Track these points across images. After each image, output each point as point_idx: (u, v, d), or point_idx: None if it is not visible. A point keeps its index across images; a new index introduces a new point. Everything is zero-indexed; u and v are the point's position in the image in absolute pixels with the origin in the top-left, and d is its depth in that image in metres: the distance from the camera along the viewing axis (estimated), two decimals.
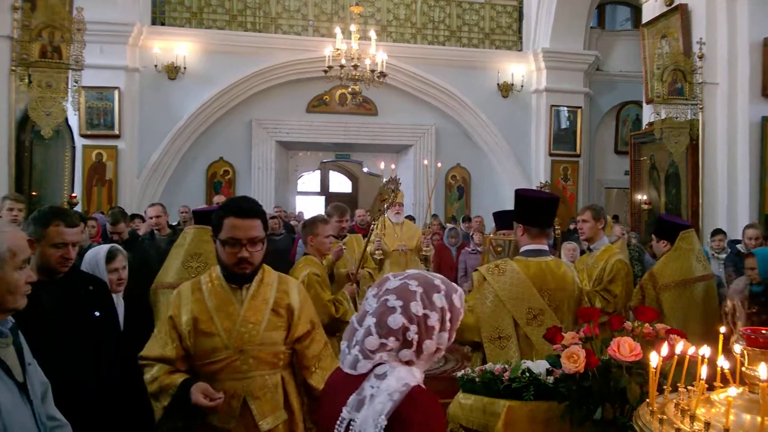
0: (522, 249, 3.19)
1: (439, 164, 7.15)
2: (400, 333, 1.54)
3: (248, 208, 2.45)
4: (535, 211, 3.17)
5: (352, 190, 18.40)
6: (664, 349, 1.83)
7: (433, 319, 1.57)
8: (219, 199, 7.83)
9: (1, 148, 6.05)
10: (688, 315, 4.41)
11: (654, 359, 1.75)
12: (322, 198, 17.70)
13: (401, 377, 1.53)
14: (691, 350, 1.97)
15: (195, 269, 3.70)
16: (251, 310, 2.46)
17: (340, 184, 18.49)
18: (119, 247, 3.53)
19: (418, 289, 1.60)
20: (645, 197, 8.77)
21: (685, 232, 4.50)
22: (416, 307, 1.56)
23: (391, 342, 1.54)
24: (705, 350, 1.90)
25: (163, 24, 10.82)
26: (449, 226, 9.64)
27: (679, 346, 1.91)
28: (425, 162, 9.08)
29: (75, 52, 6.36)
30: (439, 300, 1.59)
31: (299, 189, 13.77)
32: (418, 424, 1.47)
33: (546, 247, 3.20)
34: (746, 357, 1.74)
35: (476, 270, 3.25)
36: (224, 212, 2.43)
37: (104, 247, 3.47)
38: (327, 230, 4.29)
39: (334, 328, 4.06)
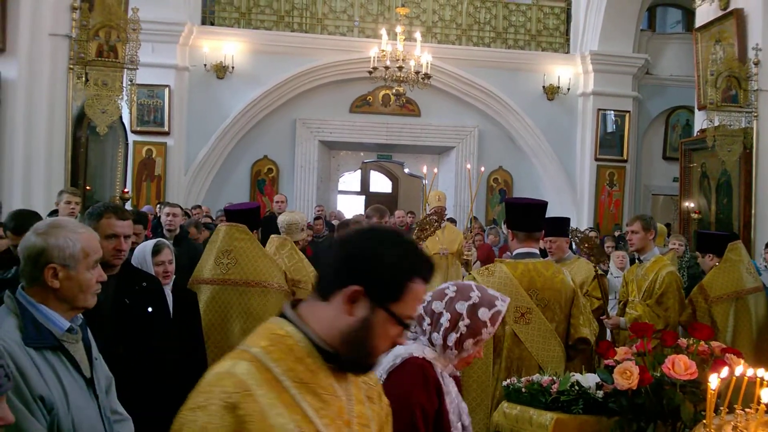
0: (513, 252, 3.39)
1: (482, 169, 7.08)
2: (420, 320, 1.98)
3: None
4: (521, 216, 3.37)
5: (392, 190, 18.43)
6: (724, 371, 1.79)
7: (444, 319, 1.96)
8: (280, 198, 7.87)
9: (59, 144, 6.26)
10: (739, 327, 4.32)
11: (714, 381, 1.71)
12: (362, 197, 17.78)
13: (409, 348, 1.92)
14: (750, 372, 1.92)
15: (226, 266, 3.79)
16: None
17: (381, 184, 18.54)
18: (165, 241, 3.63)
19: (450, 293, 2.01)
20: (694, 205, 8.55)
21: (733, 244, 4.42)
22: (437, 305, 1.98)
23: (424, 324, 1.99)
24: (764, 373, 1.85)
25: (212, 24, 11.03)
26: (490, 227, 9.59)
27: (739, 368, 1.86)
28: (468, 166, 9.03)
29: (130, 51, 6.54)
30: (460, 307, 1.96)
31: (340, 188, 13.85)
32: (392, 384, 1.78)
33: (535, 250, 3.36)
34: None
35: (469, 273, 3.47)
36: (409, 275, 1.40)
37: (151, 241, 3.57)
38: None
39: None
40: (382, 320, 1.30)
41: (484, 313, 1.95)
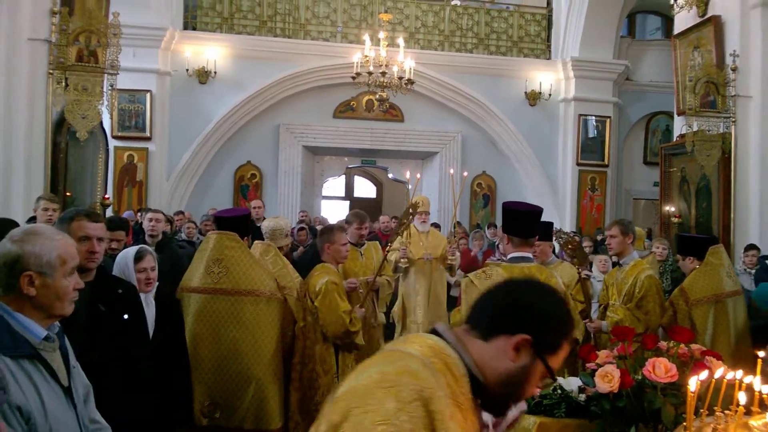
0: (508, 256, 3.48)
1: (465, 174, 7.12)
2: None
3: None
4: (517, 222, 3.45)
5: (377, 195, 18.43)
6: (704, 374, 1.81)
7: None
8: (257, 203, 7.78)
9: (38, 150, 6.17)
10: (718, 330, 4.37)
11: (693, 384, 1.73)
12: (347, 203, 17.75)
13: None
14: (729, 375, 1.95)
15: (217, 275, 3.74)
16: None
17: (365, 189, 18.53)
18: (148, 247, 3.58)
19: None
20: (674, 209, 8.65)
21: (714, 247, 4.47)
22: None
23: None
24: (742, 375, 1.87)
25: (194, 29, 10.98)
26: (474, 231, 9.60)
27: (719, 371, 1.88)
28: (451, 171, 9.08)
29: (111, 56, 6.47)
30: None
31: (324, 193, 13.82)
32: None
33: (529, 255, 3.46)
34: None
35: (466, 276, 3.54)
36: (568, 333, 1.45)
37: (133, 248, 3.53)
38: (344, 238, 4.29)
39: (347, 342, 4.04)
40: (538, 371, 1.36)
41: None
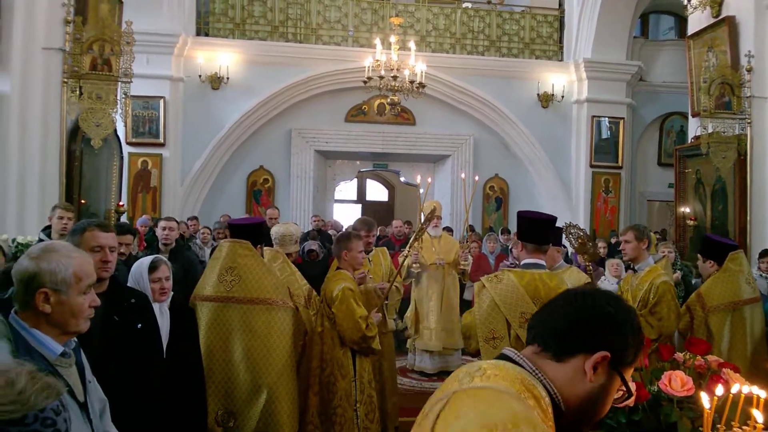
0: (522, 262, 3.55)
1: (476, 178, 7.10)
2: None
3: None
4: (532, 230, 3.52)
5: (389, 198, 18.43)
6: (719, 389, 1.78)
7: None
8: (273, 213, 7.75)
9: (53, 158, 6.23)
10: (734, 338, 4.31)
11: (706, 401, 1.71)
12: (359, 206, 17.78)
13: None
14: (746, 389, 1.92)
15: (229, 283, 3.74)
16: None
17: (377, 192, 18.54)
18: (162, 257, 3.60)
19: None
20: (690, 212, 8.56)
21: (734, 253, 4.41)
22: None
23: None
24: (759, 391, 1.85)
25: (207, 35, 11.05)
26: (487, 234, 9.57)
27: (735, 387, 1.86)
28: (462, 176, 9.05)
29: (124, 64, 6.52)
30: None
31: (336, 197, 13.85)
32: None
33: (542, 262, 3.52)
34: None
35: (479, 280, 3.60)
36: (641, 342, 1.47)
37: (148, 258, 3.55)
38: (360, 245, 4.31)
39: (364, 347, 4.07)
40: (615, 386, 1.28)
41: None
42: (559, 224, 4.25)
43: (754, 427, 1.77)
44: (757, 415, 1.68)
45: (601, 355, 1.23)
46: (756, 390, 1.87)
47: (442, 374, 6.82)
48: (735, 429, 1.83)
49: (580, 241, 3.92)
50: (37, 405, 1.45)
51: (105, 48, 6.46)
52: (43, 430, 1.46)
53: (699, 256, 4.66)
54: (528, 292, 3.33)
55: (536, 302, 3.29)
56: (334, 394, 4.04)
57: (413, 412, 4.99)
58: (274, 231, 4.80)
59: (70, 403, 1.96)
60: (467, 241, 6.88)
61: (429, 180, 6.32)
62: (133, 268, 3.53)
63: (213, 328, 3.72)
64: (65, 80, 6.33)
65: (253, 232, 4.07)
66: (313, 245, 5.79)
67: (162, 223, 5.40)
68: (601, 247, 7.52)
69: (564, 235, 4.47)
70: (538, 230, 3.51)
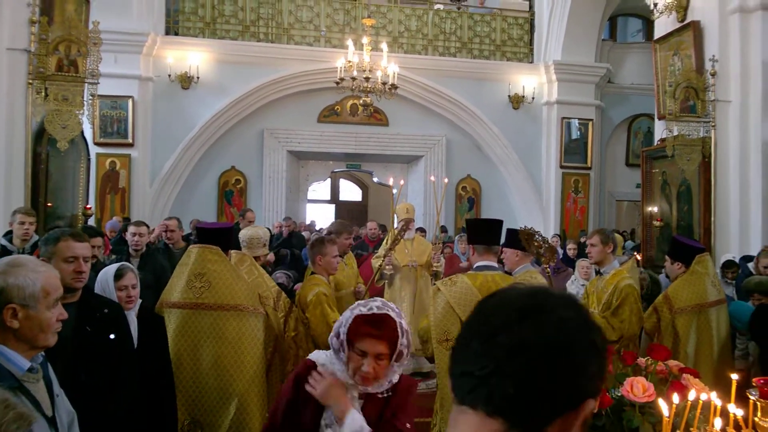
0: (474, 265, 3.64)
1: (446, 180, 7.12)
2: None
3: None
4: (478, 232, 3.68)
5: (362, 198, 18.45)
6: (675, 398, 1.84)
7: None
8: (251, 216, 7.68)
9: (18, 161, 6.11)
10: (701, 339, 4.41)
11: (665, 409, 1.76)
12: (333, 206, 17.75)
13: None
14: (704, 396, 1.98)
15: (198, 289, 3.68)
16: None
17: (351, 192, 18.54)
18: (129, 265, 3.55)
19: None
20: (656, 210, 8.74)
21: (701, 256, 4.51)
22: None
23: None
24: (716, 398, 1.91)
25: (176, 34, 10.92)
26: (459, 235, 9.64)
27: (692, 394, 1.92)
28: (432, 178, 9.10)
29: (91, 65, 6.41)
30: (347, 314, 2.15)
31: (309, 197, 13.81)
32: None
33: (493, 263, 3.63)
34: (759, 408, 1.75)
35: (434, 284, 3.73)
36: None
37: (114, 266, 3.50)
38: (335, 250, 4.31)
39: None
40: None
41: (345, 314, 2.14)
42: (529, 224, 4.32)
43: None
44: (717, 421, 1.74)
45: (590, 405, 0.91)
46: (714, 397, 1.93)
47: (415, 375, 6.87)
48: None
49: (535, 244, 3.98)
50: None
51: (71, 49, 6.35)
52: None
53: (667, 257, 4.76)
54: (482, 292, 3.38)
55: None
56: None
57: None
58: (243, 234, 4.75)
59: (38, 419, 1.94)
60: (439, 242, 6.93)
61: (402, 182, 6.31)
62: (99, 276, 3.48)
63: (182, 335, 3.67)
64: (30, 81, 6.20)
65: (222, 236, 4.03)
66: (281, 278, 5.59)
67: (132, 229, 5.33)
68: (571, 248, 7.64)
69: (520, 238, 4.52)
70: (485, 232, 3.66)
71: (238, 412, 3.47)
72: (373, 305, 2.14)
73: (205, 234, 4.03)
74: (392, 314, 2.13)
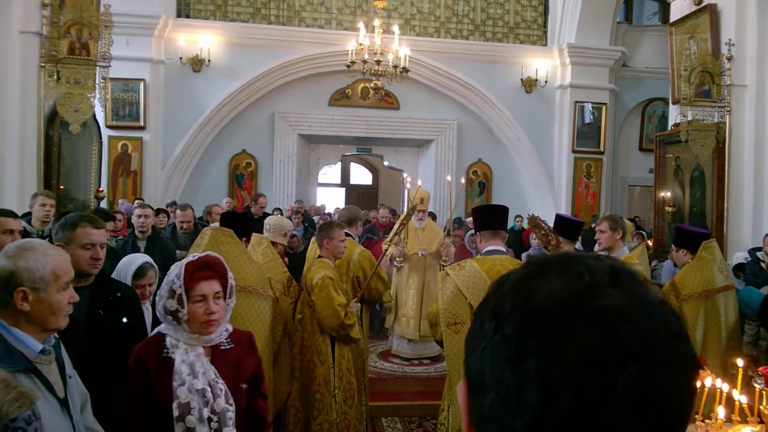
0: (482, 251, 3.66)
1: (462, 181, 7.05)
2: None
3: None
4: (485, 218, 3.69)
5: (373, 182, 18.44)
6: None
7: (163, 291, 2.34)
8: (263, 202, 7.76)
9: (31, 144, 6.16)
10: (709, 325, 4.39)
11: None
12: (343, 189, 17.76)
13: None
14: (708, 382, 1.98)
15: None
16: None
17: (361, 176, 18.53)
18: (151, 262, 3.58)
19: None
20: (669, 195, 8.67)
21: (707, 242, 4.49)
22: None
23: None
24: (722, 385, 1.91)
25: (188, 16, 10.89)
26: (471, 231, 9.60)
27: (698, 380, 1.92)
28: (448, 178, 9.01)
29: (102, 48, 6.43)
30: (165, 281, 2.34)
31: (320, 181, 13.83)
32: None
33: (501, 248, 3.64)
34: (764, 396, 1.75)
35: (443, 269, 3.74)
36: None
37: (136, 262, 3.52)
38: (342, 234, 4.38)
39: (343, 335, 4.14)
40: None
41: (172, 273, 2.32)
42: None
43: (716, 421, 1.84)
44: (720, 410, 1.74)
45: None
46: (719, 383, 1.93)
47: (423, 359, 6.92)
48: (698, 422, 1.90)
49: (542, 232, 3.98)
50: (9, 414, 1.47)
51: (83, 32, 6.36)
52: None
53: (672, 246, 4.74)
54: (491, 276, 3.42)
55: None
56: (312, 380, 4.15)
57: (394, 397, 5.11)
58: (270, 219, 4.90)
59: (50, 400, 1.98)
60: (450, 237, 6.87)
61: (419, 183, 6.18)
62: (120, 265, 3.52)
63: None
64: (42, 64, 6.23)
65: (239, 221, 4.11)
66: (294, 232, 5.83)
67: (137, 211, 5.38)
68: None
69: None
70: (491, 217, 3.68)
71: None
72: (194, 254, 2.40)
73: (223, 218, 4.17)
74: (213, 254, 2.42)
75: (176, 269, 2.32)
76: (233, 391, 2.31)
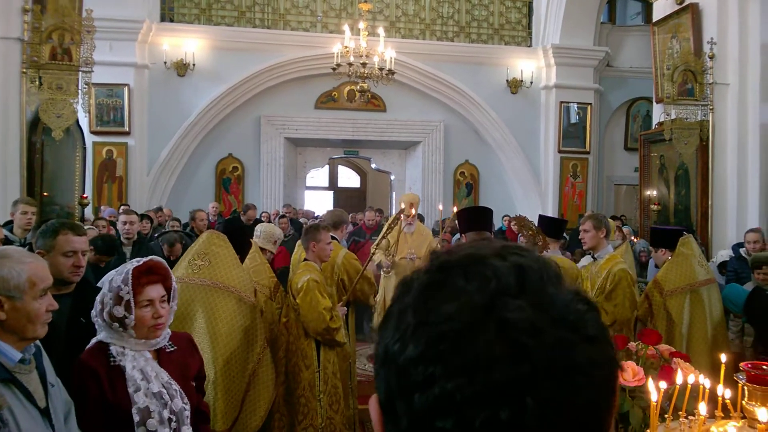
0: None
1: (454, 209, 6.89)
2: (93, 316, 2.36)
3: None
4: (470, 220, 3.74)
5: (361, 185, 18.42)
6: (664, 385, 1.85)
7: (96, 305, 2.33)
8: (252, 215, 7.74)
9: (13, 150, 6.09)
10: (694, 319, 4.44)
11: (654, 394, 1.77)
12: (331, 192, 17.73)
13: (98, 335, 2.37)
14: (692, 379, 1.99)
15: (198, 266, 3.73)
16: None
17: (349, 178, 18.51)
18: None
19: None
20: (654, 193, 8.73)
21: (684, 238, 4.56)
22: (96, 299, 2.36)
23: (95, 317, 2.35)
24: (705, 380, 1.92)
25: (172, 21, 10.84)
26: (457, 236, 9.61)
27: (679, 377, 1.93)
28: (440, 207, 8.98)
29: (85, 53, 6.38)
30: (103, 288, 2.34)
31: (308, 184, 13.79)
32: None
33: None
34: (746, 392, 1.76)
35: None
36: None
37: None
38: (328, 237, 4.38)
39: (328, 339, 4.13)
40: None
41: (117, 279, 2.30)
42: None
43: (698, 417, 1.84)
44: (702, 407, 1.74)
45: None
46: (702, 379, 1.94)
47: None
48: (682, 419, 1.90)
49: (530, 232, 3.99)
50: None
51: (65, 37, 6.31)
52: None
53: (651, 248, 4.81)
54: None
55: None
56: (298, 384, 4.14)
57: None
58: (261, 226, 4.93)
59: (29, 410, 1.95)
60: (440, 235, 6.86)
61: (413, 211, 6.12)
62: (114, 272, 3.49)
63: (177, 308, 3.69)
64: (24, 70, 6.17)
65: (236, 233, 4.13)
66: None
67: (123, 218, 5.35)
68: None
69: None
70: (476, 219, 3.74)
71: (212, 389, 3.44)
72: (137, 259, 2.38)
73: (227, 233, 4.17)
74: (156, 258, 2.41)
75: (120, 275, 2.30)
76: (185, 390, 2.37)
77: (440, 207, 8.52)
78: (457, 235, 8.73)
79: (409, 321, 0.61)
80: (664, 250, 4.56)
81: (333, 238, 4.74)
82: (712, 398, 1.97)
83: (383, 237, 5.02)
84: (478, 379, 0.56)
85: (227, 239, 3.88)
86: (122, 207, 8.52)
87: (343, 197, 17.23)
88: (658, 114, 8.44)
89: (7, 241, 4.65)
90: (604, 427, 0.60)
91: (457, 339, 0.58)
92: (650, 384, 1.85)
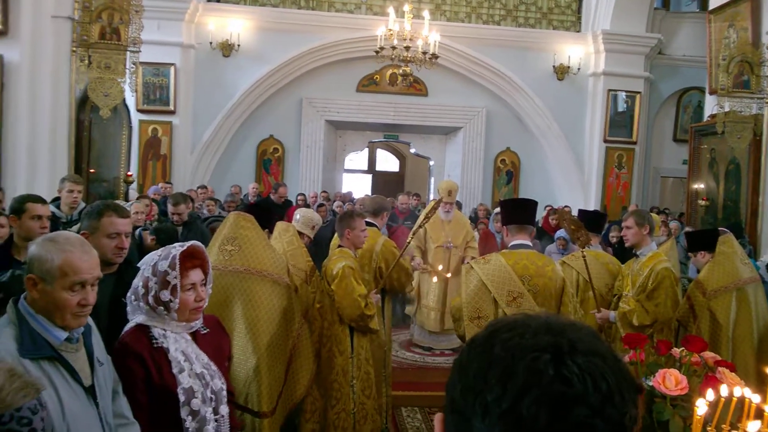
0: (509, 245, 3.65)
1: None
2: (129, 299, 2.43)
3: None
4: (513, 212, 3.69)
5: (399, 169, 18.35)
6: (711, 394, 1.78)
7: (139, 287, 2.38)
8: (283, 192, 7.81)
9: (62, 128, 6.25)
10: (740, 319, 4.26)
11: (701, 407, 1.71)
12: (369, 176, 17.73)
13: (135, 318, 2.41)
14: (738, 391, 1.92)
15: (229, 252, 3.71)
16: None
17: (388, 162, 18.46)
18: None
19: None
20: (703, 187, 8.45)
21: (724, 237, 4.37)
22: (135, 282, 2.42)
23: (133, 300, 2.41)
24: (752, 395, 1.84)
25: (218, 1, 10.90)
26: (496, 210, 9.51)
27: (724, 390, 1.85)
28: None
29: (133, 33, 6.49)
30: (146, 272, 2.38)
31: (346, 167, 13.81)
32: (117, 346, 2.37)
33: (528, 242, 3.63)
34: None
35: (467, 263, 3.77)
36: None
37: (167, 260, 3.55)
38: (363, 224, 4.37)
39: (362, 326, 4.14)
40: None
41: (162, 264, 2.34)
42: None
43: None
44: (753, 426, 1.67)
45: None
46: (748, 393, 1.87)
47: (445, 350, 6.89)
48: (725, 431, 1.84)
49: (573, 227, 3.90)
50: (14, 404, 1.48)
51: (114, 17, 6.42)
52: (19, 429, 1.48)
53: (689, 253, 4.64)
54: (516, 270, 3.44)
55: (524, 280, 3.44)
56: (331, 369, 4.17)
57: (414, 387, 5.09)
58: (301, 210, 4.96)
59: (74, 387, 1.98)
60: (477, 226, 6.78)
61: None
62: (150, 257, 3.56)
63: (213, 296, 3.73)
64: (74, 49, 6.31)
65: (262, 212, 4.14)
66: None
67: (171, 209, 5.46)
68: (613, 236, 7.37)
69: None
70: (519, 212, 3.67)
71: (255, 373, 3.46)
72: (177, 244, 2.43)
73: (248, 210, 4.19)
74: (196, 243, 2.46)
75: (166, 261, 2.35)
76: (221, 370, 2.49)
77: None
78: (496, 211, 8.64)
79: None
80: (703, 252, 4.38)
81: (372, 224, 4.73)
82: (758, 413, 1.89)
83: (420, 226, 4.98)
84: None
85: (254, 220, 3.87)
86: (161, 185, 8.67)
87: (382, 181, 17.20)
88: (710, 105, 8.14)
89: (54, 218, 4.78)
90: None
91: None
92: (700, 401, 1.78)
